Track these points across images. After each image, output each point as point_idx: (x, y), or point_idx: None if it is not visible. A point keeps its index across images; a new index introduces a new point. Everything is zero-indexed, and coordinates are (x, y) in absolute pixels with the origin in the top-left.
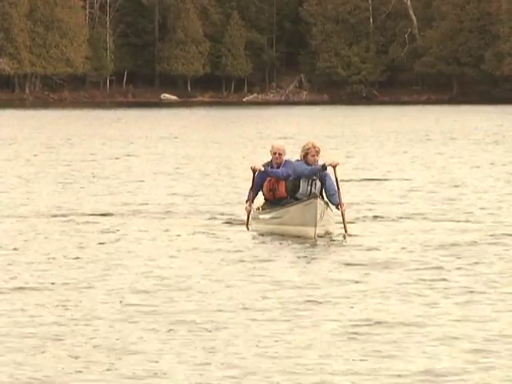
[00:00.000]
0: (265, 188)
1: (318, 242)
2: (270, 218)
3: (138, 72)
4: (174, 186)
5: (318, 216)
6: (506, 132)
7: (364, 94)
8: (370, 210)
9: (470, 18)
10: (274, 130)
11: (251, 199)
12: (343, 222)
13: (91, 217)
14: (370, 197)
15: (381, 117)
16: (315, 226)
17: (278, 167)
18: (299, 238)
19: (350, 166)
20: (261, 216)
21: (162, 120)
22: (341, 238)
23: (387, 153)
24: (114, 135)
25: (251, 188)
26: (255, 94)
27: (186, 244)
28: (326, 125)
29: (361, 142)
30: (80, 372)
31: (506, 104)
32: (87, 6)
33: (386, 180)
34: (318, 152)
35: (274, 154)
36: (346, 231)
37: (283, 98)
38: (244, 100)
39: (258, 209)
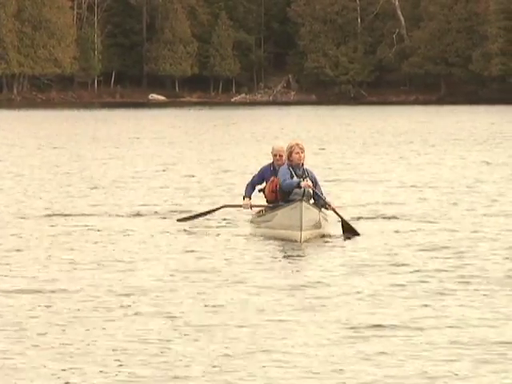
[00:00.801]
0: (267, 190)
1: (308, 245)
2: (262, 222)
3: (126, 72)
4: (162, 186)
5: (305, 220)
6: (492, 133)
7: (352, 95)
8: (356, 210)
9: (458, 18)
10: (263, 131)
11: (248, 196)
12: (340, 218)
13: (82, 217)
14: (352, 198)
15: (368, 117)
16: (301, 230)
17: (279, 168)
18: (288, 241)
19: (332, 166)
20: (255, 219)
21: (150, 120)
22: (330, 240)
23: (370, 153)
24: (100, 136)
25: (248, 184)
26: (243, 95)
27: (174, 244)
28: (313, 125)
29: (343, 143)
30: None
31: (493, 104)
32: (75, 7)
33: (369, 181)
34: (302, 149)
35: (275, 155)
36: (345, 226)
37: (271, 98)
38: (232, 100)
39: (260, 212)
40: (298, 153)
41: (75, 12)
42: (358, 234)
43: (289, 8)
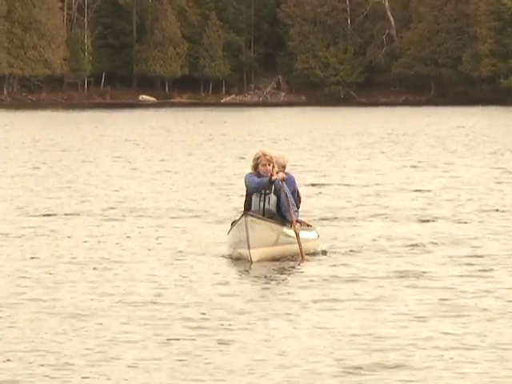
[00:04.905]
0: None
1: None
2: (228, 239)
3: (116, 73)
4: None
5: (253, 236)
6: (471, 135)
7: (342, 96)
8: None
9: (448, 19)
10: (253, 132)
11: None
12: (298, 244)
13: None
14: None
15: (355, 119)
16: (248, 247)
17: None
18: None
19: (305, 170)
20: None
21: (141, 121)
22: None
23: (347, 156)
24: (91, 137)
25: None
26: (233, 95)
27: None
28: (301, 126)
29: (325, 145)
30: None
31: (483, 105)
32: (65, 8)
33: (341, 185)
34: (269, 160)
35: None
36: (301, 256)
37: (261, 99)
38: (222, 101)
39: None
40: (264, 165)
41: (65, 13)
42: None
43: (278, 9)
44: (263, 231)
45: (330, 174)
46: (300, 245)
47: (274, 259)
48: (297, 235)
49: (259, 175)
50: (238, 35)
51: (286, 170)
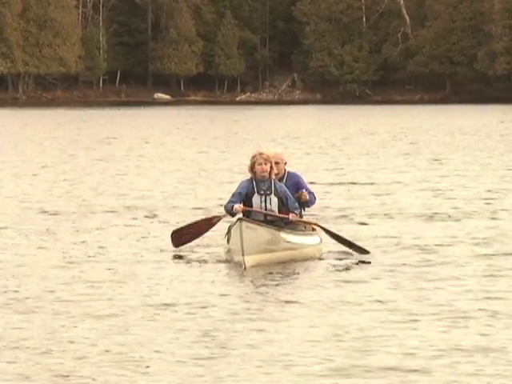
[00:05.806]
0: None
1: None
2: (227, 242)
3: (131, 71)
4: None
5: (247, 242)
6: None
7: (357, 94)
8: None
9: (463, 17)
10: (271, 130)
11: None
12: (303, 222)
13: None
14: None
15: (369, 117)
16: (242, 254)
17: (279, 180)
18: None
19: (316, 168)
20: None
21: (156, 119)
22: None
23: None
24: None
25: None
26: (248, 94)
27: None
28: (315, 125)
29: (337, 144)
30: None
31: (498, 104)
32: (80, 6)
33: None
34: (266, 160)
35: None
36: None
37: (276, 97)
38: (237, 99)
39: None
40: (260, 164)
41: (80, 11)
42: (366, 252)
43: (294, 7)
44: (259, 237)
45: (340, 172)
46: (305, 221)
47: (270, 264)
48: (297, 220)
49: (256, 177)
50: (253, 33)
51: (292, 170)
